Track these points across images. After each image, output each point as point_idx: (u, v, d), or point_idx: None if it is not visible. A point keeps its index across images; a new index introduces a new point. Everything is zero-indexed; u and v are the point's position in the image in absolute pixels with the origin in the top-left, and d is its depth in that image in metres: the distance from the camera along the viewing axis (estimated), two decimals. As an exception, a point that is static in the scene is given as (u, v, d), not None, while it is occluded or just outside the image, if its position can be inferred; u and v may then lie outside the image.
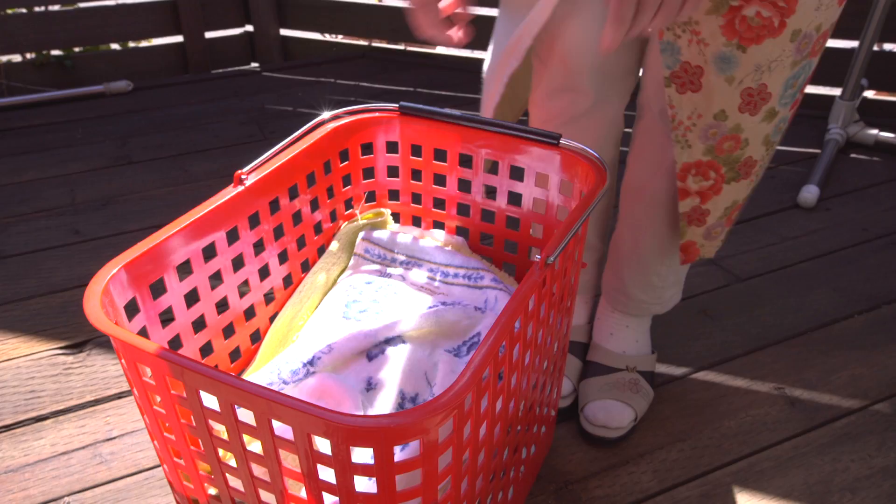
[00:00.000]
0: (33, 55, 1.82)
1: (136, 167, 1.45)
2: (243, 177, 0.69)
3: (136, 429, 0.85)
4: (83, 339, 1.00)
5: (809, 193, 1.28)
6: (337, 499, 0.49)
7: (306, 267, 0.81)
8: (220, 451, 0.54)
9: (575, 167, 0.70)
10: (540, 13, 0.71)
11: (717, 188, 0.75)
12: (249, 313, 0.74)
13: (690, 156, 0.72)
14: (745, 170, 0.74)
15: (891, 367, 0.94)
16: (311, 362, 0.69)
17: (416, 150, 0.81)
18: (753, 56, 0.65)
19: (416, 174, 0.82)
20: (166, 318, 0.61)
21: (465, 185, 0.80)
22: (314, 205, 0.80)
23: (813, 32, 0.65)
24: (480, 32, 2.15)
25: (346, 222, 0.85)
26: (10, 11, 1.74)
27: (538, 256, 0.55)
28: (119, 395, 0.90)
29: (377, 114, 0.79)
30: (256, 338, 0.76)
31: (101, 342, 0.99)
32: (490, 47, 0.82)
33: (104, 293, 0.54)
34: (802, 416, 0.87)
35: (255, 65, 2.03)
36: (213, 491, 0.59)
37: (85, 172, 1.43)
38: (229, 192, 0.67)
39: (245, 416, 0.49)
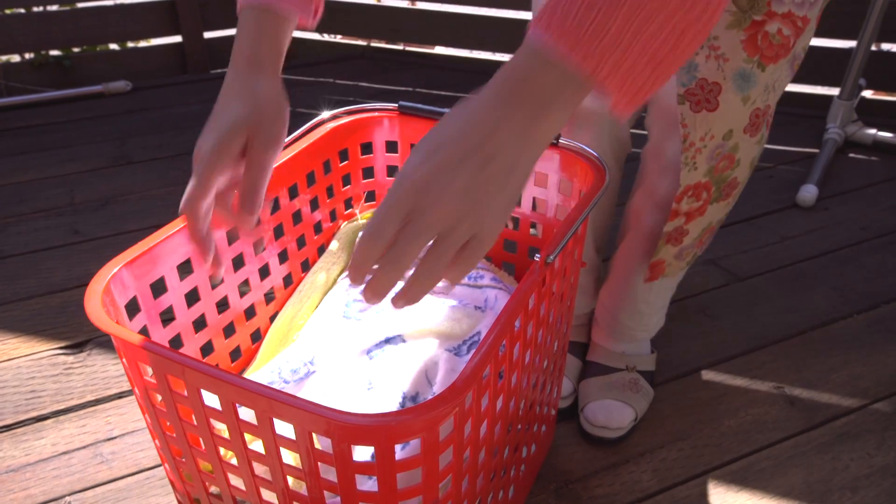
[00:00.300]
0: (32, 55, 1.82)
1: (135, 167, 1.45)
2: (243, 176, 0.69)
3: (137, 428, 0.85)
4: (83, 338, 0.99)
5: (808, 193, 1.28)
6: (338, 497, 0.49)
7: (306, 266, 0.82)
8: (222, 450, 0.54)
9: (574, 166, 0.70)
10: None
11: (703, 209, 0.75)
12: (250, 313, 0.74)
13: (693, 178, 0.71)
14: (727, 190, 0.74)
15: (890, 366, 0.94)
16: (311, 361, 0.69)
17: (415, 150, 0.81)
18: (769, 75, 0.65)
19: (415, 174, 0.82)
20: (167, 317, 0.62)
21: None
22: (314, 204, 0.80)
23: (801, 53, 0.66)
24: (478, 32, 2.15)
25: (346, 222, 0.85)
26: (8, 11, 1.74)
27: (538, 255, 0.55)
28: (119, 395, 0.90)
29: (376, 113, 0.79)
30: (257, 337, 0.76)
31: (101, 342, 0.99)
32: None
33: (105, 292, 0.54)
34: (802, 415, 0.87)
35: (254, 65, 2.02)
36: (214, 490, 0.59)
37: (84, 172, 1.43)
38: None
39: (246, 414, 0.49)
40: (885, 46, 1.70)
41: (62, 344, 0.99)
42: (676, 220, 0.75)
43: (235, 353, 0.74)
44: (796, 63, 0.68)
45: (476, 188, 0.42)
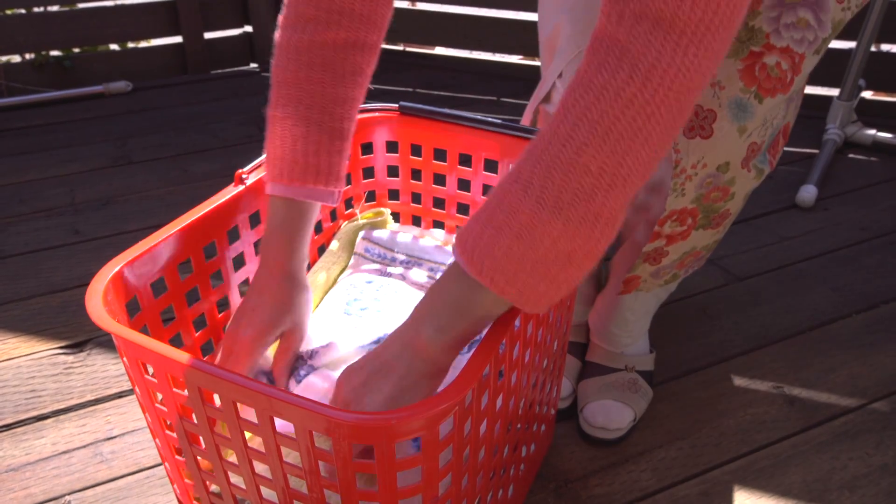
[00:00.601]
0: (32, 56, 1.82)
1: (135, 167, 1.46)
2: (244, 176, 0.69)
3: (137, 428, 0.86)
4: (84, 338, 1.00)
5: (807, 193, 1.29)
6: (338, 495, 0.49)
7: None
8: (222, 449, 0.54)
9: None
10: (558, 64, 0.71)
11: (686, 234, 0.75)
12: (250, 312, 0.74)
13: (679, 203, 0.71)
14: (717, 220, 0.74)
15: (889, 366, 0.94)
16: (311, 356, 0.69)
17: (415, 150, 0.81)
18: (766, 109, 0.64)
19: (415, 174, 0.83)
20: (167, 316, 0.62)
21: (464, 185, 0.81)
22: (314, 204, 0.80)
23: (795, 96, 0.66)
24: (478, 33, 2.15)
25: (346, 222, 0.85)
26: (9, 12, 1.75)
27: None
28: (119, 395, 0.91)
29: (377, 114, 0.80)
30: (257, 337, 0.76)
31: (101, 342, 0.99)
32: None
33: (106, 292, 0.54)
34: (801, 414, 0.87)
35: (254, 65, 2.03)
36: (214, 488, 0.59)
37: (84, 173, 1.44)
38: (230, 192, 0.67)
39: (247, 413, 0.49)
40: (885, 47, 1.70)
41: (62, 343, 0.99)
42: (657, 241, 0.75)
43: (236, 353, 0.74)
44: (792, 103, 0.68)
45: (360, 388, 0.54)
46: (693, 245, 0.76)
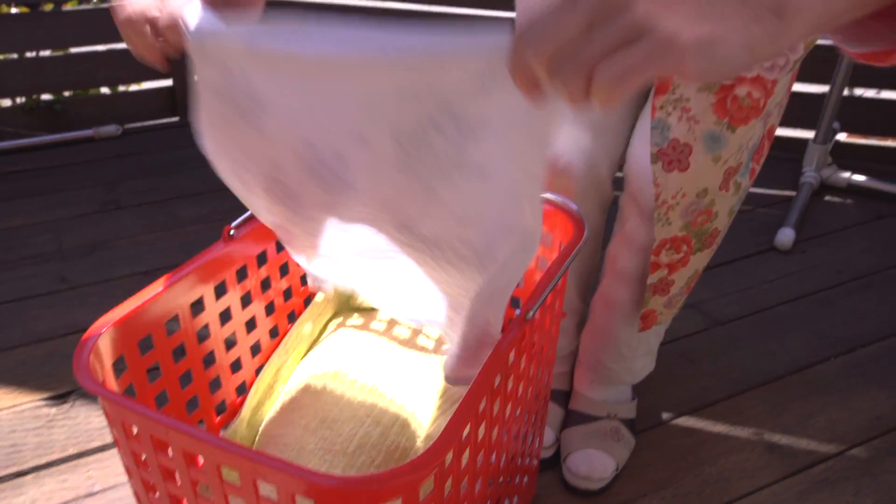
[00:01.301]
0: (23, 99, 1.84)
1: (124, 212, 1.46)
2: (231, 231, 0.70)
3: (119, 483, 0.85)
4: (67, 389, 0.99)
5: (785, 236, 1.32)
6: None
7: (293, 318, 0.82)
8: (205, 510, 0.54)
9: (553, 219, 0.71)
10: None
11: (686, 260, 0.77)
12: (236, 366, 0.75)
13: (668, 232, 0.74)
14: (709, 240, 0.77)
15: (866, 411, 0.96)
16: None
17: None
18: (740, 136, 0.67)
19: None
20: (154, 372, 0.62)
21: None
22: (300, 257, 0.81)
23: (774, 110, 0.69)
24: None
25: (332, 273, 0.86)
26: (1, 57, 1.77)
27: (518, 311, 0.57)
28: (102, 448, 0.90)
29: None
30: (242, 390, 0.76)
31: (85, 392, 0.99)
32: None
33: (93, 352, 0.55)
34: (781, 462, 0.88)
35: (243, 109, 2.05)
36: (196, 549, 0.59)
37: (73, 218, 1.44)
38: (218, 248, 0.68)
39: (230, 476, 0.49)
40: (857, 91, 1.76)
41: (46, 395, 0.98)
42: (658, 271, 0.77)
43: (221, 407, 0.74)
44: (769, 118, 0.70)
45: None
46: (695, 268, 0.79)
